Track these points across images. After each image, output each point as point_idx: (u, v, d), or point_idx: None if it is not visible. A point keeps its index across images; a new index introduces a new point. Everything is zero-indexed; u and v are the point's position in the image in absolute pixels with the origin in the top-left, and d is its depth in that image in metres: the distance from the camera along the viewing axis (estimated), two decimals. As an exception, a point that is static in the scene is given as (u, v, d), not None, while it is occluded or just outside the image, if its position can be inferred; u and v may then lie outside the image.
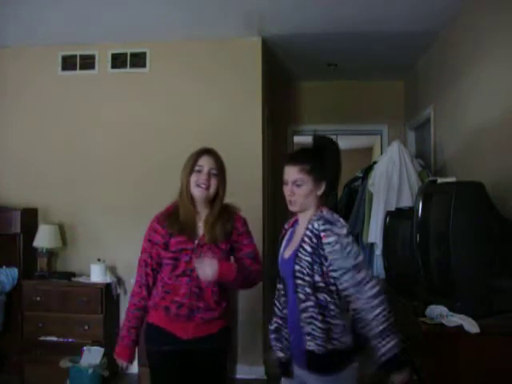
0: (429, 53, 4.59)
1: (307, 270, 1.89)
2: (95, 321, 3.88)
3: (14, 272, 4.08)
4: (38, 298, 3.94)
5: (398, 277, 3.13)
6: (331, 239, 1.85)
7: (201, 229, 2.28)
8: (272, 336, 2.08)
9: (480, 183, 2.27)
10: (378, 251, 3.90)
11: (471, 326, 2.07)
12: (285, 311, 2.04)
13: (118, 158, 4.32)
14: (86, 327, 3.87)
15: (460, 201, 2.20)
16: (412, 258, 2.67)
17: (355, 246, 1.89)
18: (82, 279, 4.06)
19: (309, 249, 1.89)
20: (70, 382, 3.60)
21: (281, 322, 2.06)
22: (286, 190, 2.00)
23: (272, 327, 2.08)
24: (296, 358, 1.99)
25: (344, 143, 6.49)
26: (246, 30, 4.14)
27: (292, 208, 2.02)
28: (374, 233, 3.92)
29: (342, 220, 1.92)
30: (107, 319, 3.96)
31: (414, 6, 3.61)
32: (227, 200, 2.35)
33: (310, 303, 1.88)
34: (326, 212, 1.93)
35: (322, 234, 1.87)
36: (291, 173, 1.98)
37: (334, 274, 1.87)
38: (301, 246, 1.92)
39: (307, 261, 1.89)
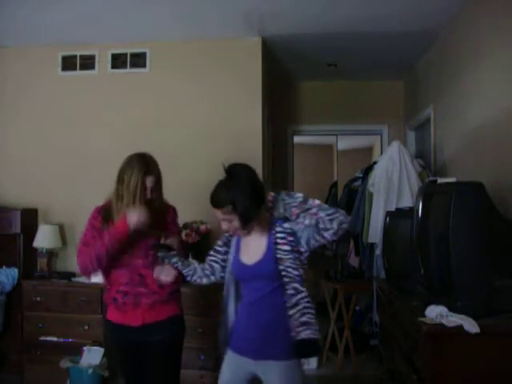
0: (429, 53, 4.60)
1: (294, 265, 2.06)
2: (95, 321, 3.88)
3: (14, 272, 4.08)
4: (38, 298, 3.94)
5: (397, 277, 3.13)
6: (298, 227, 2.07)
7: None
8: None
9: (480, 183, 2.26)
10: (378, 251, 3.91)
11: (471, 325, 2.07)
12: (231, 311, 2.19)
13: (117, 157, 4.26)
14: (86, 327, 3.87)
15: (460, 201, 2.20)
16: (412, 258, 2.67)
17: None
18: (82, 279, 4.05)
19: (287, 247, 2.07)
20: (70, 382, 3.60)
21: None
22: (223, 226, 2.12)
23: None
24: (251, 349, 2.11)
25: (344, 143, 6.52)
26: (245, 30, 4.14)
27: (241, 236, 2.17)
28: (374, 233, 3.92)
29: None
30: (107, 319, 3.95)
31: (413, 5, 3.61)
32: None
33: (300, 295, 2.06)
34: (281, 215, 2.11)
35: (297, 227, 2.07)
36: (218, 214, 2.09)
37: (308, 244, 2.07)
38: (276, 249, 2.07)
39: (291, 258, 2.06)
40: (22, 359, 3.93)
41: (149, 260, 2.42)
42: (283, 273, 2.06)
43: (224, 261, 2.26)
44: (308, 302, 2.07)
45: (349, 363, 4.37)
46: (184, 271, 2.30)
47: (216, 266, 2.28)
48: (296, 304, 2.05)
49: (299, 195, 2.03)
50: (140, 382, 2.51)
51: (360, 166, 4.88)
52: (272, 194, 2.08)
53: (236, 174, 2.07)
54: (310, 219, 2.01)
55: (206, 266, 2.30)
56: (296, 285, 2.06)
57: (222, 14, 3.85)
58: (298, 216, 2.03)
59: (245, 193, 2.03)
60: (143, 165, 2.46)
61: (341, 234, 2.01)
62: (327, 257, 5.34)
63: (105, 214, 2.48)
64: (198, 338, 3.58)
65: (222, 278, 2.27)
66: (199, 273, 2.30)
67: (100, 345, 3.76)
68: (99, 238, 2.39)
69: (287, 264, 2.06)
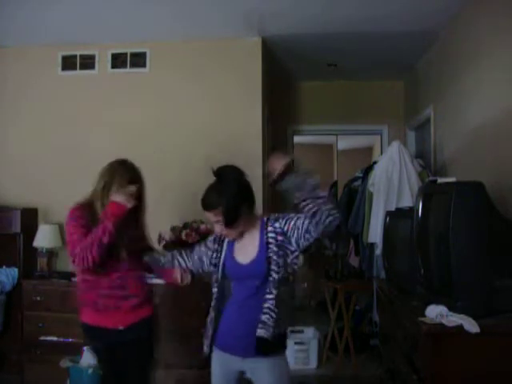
0: (429, 53, 4.60)
1: (276, 268, 2.09)
2: (95, 321, 3.88)
3: (14, 272, 4.08)
4: (38, 298, 3.94)
5: (397, 277, 3.13)
6: (293, 221, 2.10)
7: None
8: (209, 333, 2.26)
9: (480, 183, 2.26)
10: (378, 251, 3.91)
11: (471, 325, 2.07)
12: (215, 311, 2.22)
13: (117, 157, 4.30)
14: (86, 327, 3.86)
15: (460, 201, 2.20)
16: (412, 258, 2.67)
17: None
18: (82, 279, 4.06)
19: (275, 248, 2.10)
20: (70, 381, 3.60)
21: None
22: (216, 228, 2.17)
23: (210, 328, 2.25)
24: (240, 347, 2.14)
25: (344, 143, 6.53)
26: (245, 30, 4.14)
27: (232, 238, 2.19)
28: (374, 233, 3.92)
29: None
30: (107, 319, 3.95)
31: (413, 5, 3.62)
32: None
33: (270, 296, 2.08)
34: (271, 215, 2.18)
35: (286, 227, 2.10)
36: (209, 216, 2.13)
37: (303, 236, 2.07)
38: (268, 248, 2.11)
39: (277, 259, 2.09)
40: (22, 359, 3.93)
41: (131, 263, 2.44)
42: (271, 272, 2.09)
43: (212, 257, 2.27)
44: (273, 304, 2.08)
45: (349, 363, 4.36)
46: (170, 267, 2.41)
47: (204, 259, 2.32)
48: (264, 301, 2.09)
49: (311, 181, 1.98)
50: (118, 380, 2.52)
51: (360, 165, 4.87)
52: (285, 164, 2.01)
53: (224, 176, 2.11)
54: (311, 207, 1.98)
55: (195, 258, 2.35)
56: (271, 285, 2.09)
57: (221, 14, 3.86)
58: (301, 201, 2.01)
59: (232, 194, 2.08)
60: (126, 173, 2.52)
61: (328, 230, 2.02)
62: (327, 257, 5.34)
63: (89, 216, 2.46)
64: (198, 338, 3.58)
65: (208, 272, 2.30)
66: (184, 267, 2.39)
67: (100, 345, 3.77)
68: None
69: (274, 264, 2.09)
